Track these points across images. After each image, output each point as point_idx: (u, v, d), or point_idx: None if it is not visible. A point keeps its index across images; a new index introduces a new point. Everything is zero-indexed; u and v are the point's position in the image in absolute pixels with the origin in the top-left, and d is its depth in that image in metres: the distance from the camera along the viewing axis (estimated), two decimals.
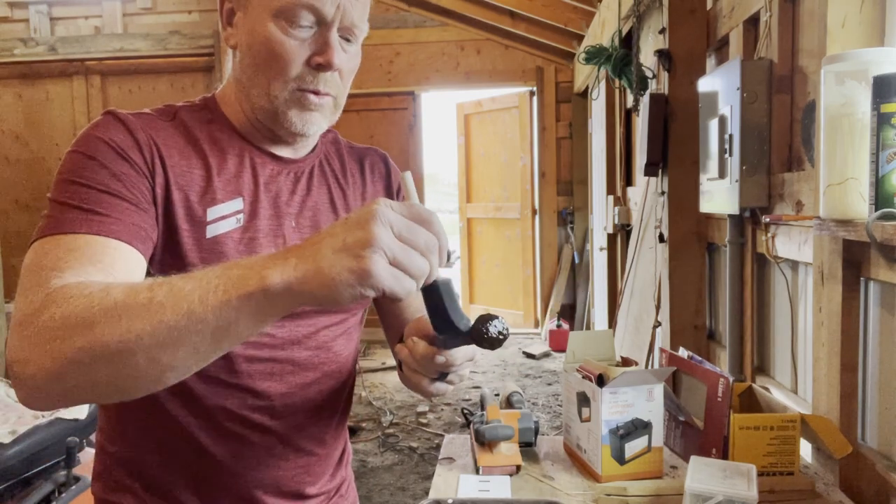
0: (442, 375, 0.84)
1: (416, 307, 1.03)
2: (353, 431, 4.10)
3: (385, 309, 1.10)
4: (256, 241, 0.92)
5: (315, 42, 0.88)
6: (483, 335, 0.73)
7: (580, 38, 5.32)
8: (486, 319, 0.74)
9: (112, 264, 0.77)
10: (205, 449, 0.93)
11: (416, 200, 0.69)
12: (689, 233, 2.45)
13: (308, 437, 1.00)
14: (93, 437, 2.31)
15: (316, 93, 0.90)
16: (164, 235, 0.87)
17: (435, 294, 0.71)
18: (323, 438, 1.02)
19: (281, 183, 0.97)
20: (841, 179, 1.21)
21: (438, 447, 3.07)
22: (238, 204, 0.92)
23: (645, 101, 2.66)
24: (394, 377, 5.23)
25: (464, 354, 0.81)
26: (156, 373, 0.66)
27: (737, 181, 1.89)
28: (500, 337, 0.73)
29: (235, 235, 0.90)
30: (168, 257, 0.87)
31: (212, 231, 0.89)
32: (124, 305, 0.65)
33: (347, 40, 0.91)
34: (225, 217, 0.90)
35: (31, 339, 0.67)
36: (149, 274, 0.84)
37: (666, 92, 2.52)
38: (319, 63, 0.88)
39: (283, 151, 0.98)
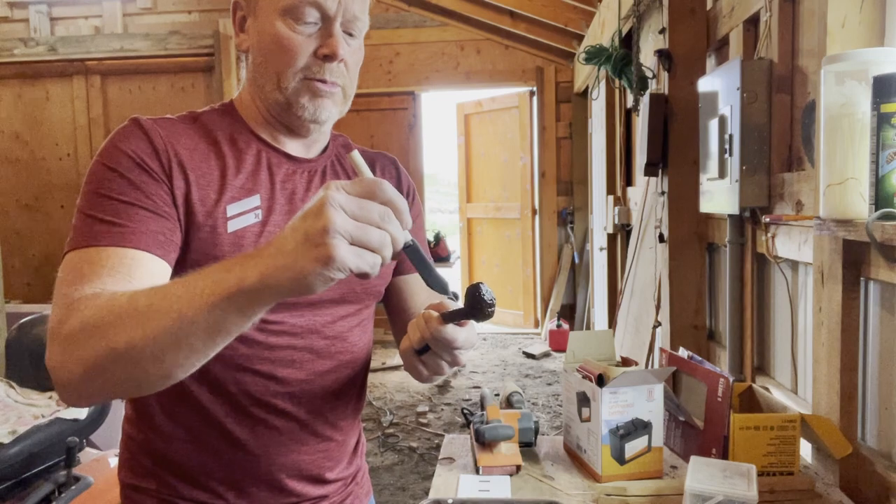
0: (426, 349, 0.87)
1: (420, 302, 1.09)
2: None
3: (391, 305, 1.14)
4: (275, 235, 0.95)
5: (320, 36, 0.95)
6: (477, 300, 0.77)
7: (580, 38, 5.32)
8: (475, 288, 0.78)
9: (131, 272, 0.84)
10: (230, 433, 0.98)
11: (368, 176, 0.71)
12: (689, 233, 2.45)
13: (326, 423, 1.05)
14: (93, 438, 2.31)
15: (323, 82, 0.96)
16: (187, 233, 0.92)
17: (410, 256, 0.74)
18: (339, 425, 1.07)
19: (296, 182, 1.02)
20: (841, 179, 1.21)
21: (438, 447, 3.07)
22: (255, 201, 0.97)
23: (645, 101, 2.66)
24: (394, 377, 5.23)
25: (465, 337, 0.85)
26: (163, 370, 0.73)
27: (737, 181, 1.89)
28: (493, 301, 0.78)
29: (255, 230, 0.96)
30: (193, 253, 0.92)
31: (232, 226, 0.94)
32: (126, 313, 0.72)
33: (350, 34, 0.98)
34: (244, 213, 0.95)
35: (60, 347, 0.76)
36: (177, 268, 0.90)
37: (666, 92, 2.52)
38: (325, 54, 0.95)
39: (297, 150, 1.04)
